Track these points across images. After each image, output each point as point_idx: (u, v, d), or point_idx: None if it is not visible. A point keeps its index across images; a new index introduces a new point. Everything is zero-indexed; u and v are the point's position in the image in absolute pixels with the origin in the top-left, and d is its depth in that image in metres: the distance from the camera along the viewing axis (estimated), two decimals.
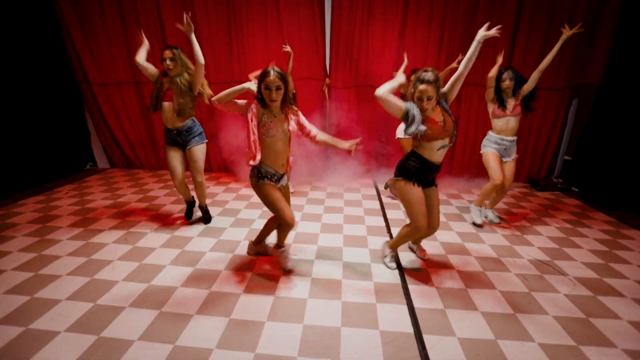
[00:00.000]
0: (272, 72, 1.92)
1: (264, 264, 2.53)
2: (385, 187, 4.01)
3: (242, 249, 2.75)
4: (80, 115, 4.86)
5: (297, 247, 2.79)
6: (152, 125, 4.77)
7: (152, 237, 2.91)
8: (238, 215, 3.43)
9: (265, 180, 2.12)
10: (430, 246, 2.85)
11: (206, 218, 3.23)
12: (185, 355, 1.68)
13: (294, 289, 2.24)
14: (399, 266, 2.53)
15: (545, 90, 4.22)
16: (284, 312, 2.01)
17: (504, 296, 2.21)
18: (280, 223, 2.26)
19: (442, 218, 3.44)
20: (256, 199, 3.93)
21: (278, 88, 1.94)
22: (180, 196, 3.67)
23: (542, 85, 4.17)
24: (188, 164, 2.96)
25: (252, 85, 2.04)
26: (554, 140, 4.50)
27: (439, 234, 3.09)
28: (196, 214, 3.37)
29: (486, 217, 3.38)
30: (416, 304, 2.11)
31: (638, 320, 2.00)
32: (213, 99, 2.05)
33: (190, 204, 3.26)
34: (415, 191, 2.15)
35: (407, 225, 2.31)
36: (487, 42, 4.08)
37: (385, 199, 3.95)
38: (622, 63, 3.75)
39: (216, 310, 2.01)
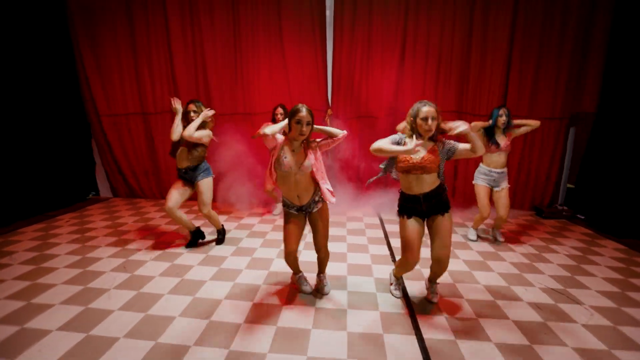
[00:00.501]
0: (304, 109, 2.04)
1: (266, 294, 2.44)
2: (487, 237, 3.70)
3: (243, 278, 2.66)
4: (86, 144, 4.96)
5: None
6: (156, 155, 4.84)
7: (151, 265, 2.83)
8: (240, 244, 3.37)
9: (285, 207, 2.26)
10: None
11: (220, 239, 3.37)
12: None
13: (297, 319, 2.14)
14: (406, 295, 2.43)
15: (542, 120, 4.31)
16: (287, 343, 1.90)
17: (518, 326, 2.10)
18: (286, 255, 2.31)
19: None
20: (257, 228, 3.88)
21: (308, 123, 2.05)
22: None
23: (539, 114, 4.29)
24: (197, 197, 3.14)
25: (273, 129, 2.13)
26: (555, 168, 4.53)
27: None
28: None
29: (494, 238, 3.56)
30: (425, 334, 2.00)
31: None
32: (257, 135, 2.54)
33: (194, 232, 3.27)
34: (407, 225, 2.13)
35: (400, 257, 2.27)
36: (484, 73, 4.29)
37: (388, 227, 3.88)
38: (616, 90, 3.87)
39: (215, 342, 1.90)
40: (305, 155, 2.12)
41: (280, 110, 3.86)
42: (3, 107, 3.84)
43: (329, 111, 4.59)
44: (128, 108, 4.70)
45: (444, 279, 2.68)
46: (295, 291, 2.45)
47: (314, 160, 2.15)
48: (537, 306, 2.33)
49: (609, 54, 3.98)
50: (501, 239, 3.49)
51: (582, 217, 4.31)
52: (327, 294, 2.44)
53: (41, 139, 4.29)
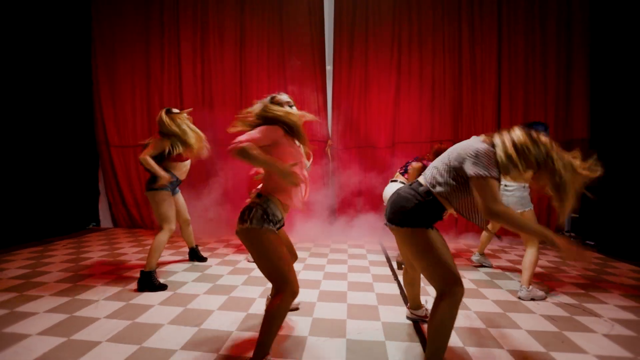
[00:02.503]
0: (283, 93, 1.79)
1: (260, 305, 2.31)
2: (399, 267, 3.19)
3: (238, 292, 2.54)
4: (93, 174, 5.08)
5: None
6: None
7: (148, 295, 2.68)
8: (237, 266, 3.26)
9: (271, 225, 1.53)
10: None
11: (203, 258, 3.38)
12: None
13: (292, 328, 2.00)
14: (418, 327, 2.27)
15: None
16: (281, 348, 1.76)
17: (532, 335, 1.93)
18: (284, 293, 1.50)
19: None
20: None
21: (291, 107, 1.76)
22: (180, 247, 3.58)
23: None
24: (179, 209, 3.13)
25: None
26: None
27: None
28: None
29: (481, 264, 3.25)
30: None
31: None
32: None
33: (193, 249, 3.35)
34: (437, 237, 1.52)
35: (442, 294, 1.46)
36: (475, 105, 4.53)
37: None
38: (605, 115, 4.01)
39: (203, 347, 1.76)
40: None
41: None
42: (17, 130, 4.02)
43: (329, 142, 4.76)
44: (137, 140, 4.92)
45: None
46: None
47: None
48: (551, 318, 2.16)
49: (592, 79, 4.22)
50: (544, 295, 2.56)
51: (592, 243, 4.16)
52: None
53: (49, 166, 4.42)
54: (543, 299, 2.48)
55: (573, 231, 4.51)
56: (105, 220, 5.18)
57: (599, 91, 4.15)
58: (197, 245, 3.41)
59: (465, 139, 4.16)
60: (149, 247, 3.89)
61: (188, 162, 2.98)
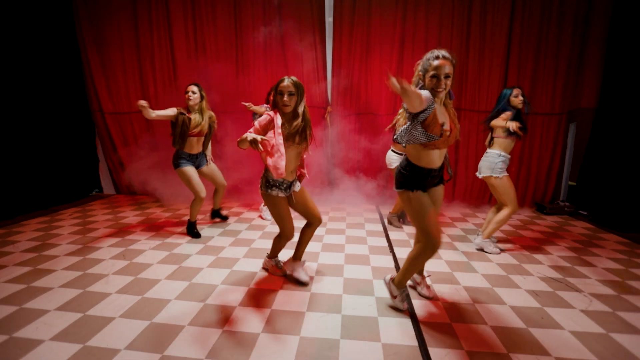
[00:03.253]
0: (286, 79, 2.00)
1: (261, 280, 2.44)
2: (389, 223, 3.79)
3: (240, 265, 2.68)
4: (90, 142, 5.05)
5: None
6: (159, 153, 4.92)
7: (150, 254, 2.86)
8: (238, 236, 3.39)
9: (274, 189, 2.09)
10: (434, 264, 2.75)
11: (224, 217, 3.84)
12: None
13: (291, 303, 2.14)
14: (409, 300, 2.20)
15: (542, 116, 4.32)
16: (280, 324, 1.90)
17: (515, 311, 2.07)
18: (280, 234, 2.32)
19: (446, 239, 3.35)
20: (258, 221, 3.90)
21: (290, 94, 1.97)
22: (181, 217, 3.75)
23: (539, 110, 4.29)
24: (211, 179, 3.51)
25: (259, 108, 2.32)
26: (556, 164, 4.50)
27: (443, 253, 2.98)
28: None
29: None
30: (421, 318, 1.98)
31: None
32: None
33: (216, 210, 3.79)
34: (423, 199, 1.80)
35: (417, 246, 1.89)
36: (482, 69, 4.32)
37: (391, 234, 3.54)
38: (616, 86, 3.87)
39: (209, 322, 1.91)
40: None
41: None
42: (9, 103, 3.94)
43: (329, 108, 4.63)
44: (132, 106, 4.79)
45: (440, 268, 2.67)
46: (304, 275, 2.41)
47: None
48: (535, 293, 2.30)
49: (608, 49, 3.99)
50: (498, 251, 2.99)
51: (585, 213, 4.26)
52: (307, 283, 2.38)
53: (46, 136, 4.38)
54: (496, 253, 2.95)
55: (568, 200, 4.59)
56: (107, 186, 5.25)
57: (613, 62, 3.93)
58: (220, 208, 3.84)
59: (469, 107, 4.11)
60: (152, 215, 4.00)
61: (195, 139, 3.21)
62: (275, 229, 3.35)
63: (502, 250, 3.04)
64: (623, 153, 3.76)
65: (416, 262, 1.91)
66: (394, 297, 2.07)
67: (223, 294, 2.23)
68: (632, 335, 1.84)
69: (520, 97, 2.77)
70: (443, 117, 1.75)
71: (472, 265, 2.76)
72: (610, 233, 3.60)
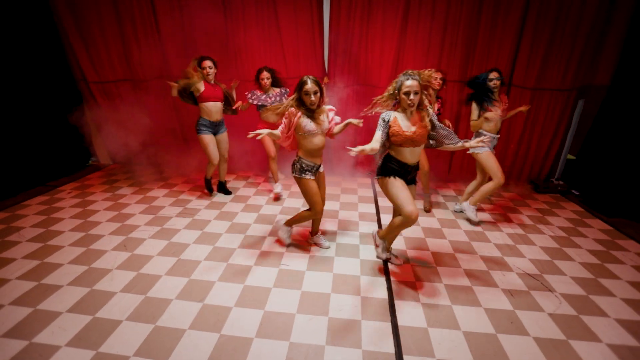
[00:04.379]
0: (309, 81, 2.35)
1: (258, 272, 2.61)
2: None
3: (237, 256, 2.83)
4: (80, 112, 4.89)
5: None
6: (150, 123, 4.80)
7: (150, 244, 3.00)
8: (234, 220, 3.50)
9: (307, 174, 2.56)
10: (421, 254, 2.90)
11: (227, 192, 4.09)
12: None
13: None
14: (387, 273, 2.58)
15: (550, 91, 4.09)
16: (273, 327, 2.10)
17: (488, 314, 2.26)
18: (310, 210, 2.71)
19: (434, 224, 3.46)
20: (252, 201, 3.99)
21: (315, 92, 2.37)
22: (177, 195, 3.86)
23: (547, 85, 4.05)
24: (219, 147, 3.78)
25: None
26: (557, 142, 4.40)
27: (430, 243, 3.12)
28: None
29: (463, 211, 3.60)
30: (400, 321, 2.18)
31: (618, 343, 2.04)
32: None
33: (222, 183, 4.08)
34: (396, 183, 2.29)
35: (398, 216, 2.32)
36: (491, 44, 3.97)
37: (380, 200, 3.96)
38: (634, 64, 3.60)
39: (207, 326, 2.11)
40: (324, 119, 2.52)
41: (266, 74, 3.69)
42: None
43: (325, 79, 4.37)
44: (117, 74, 4.52)
45: (426, 257, 2.82)
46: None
47: (328, 123, 2.56)
48: (510, 293, 2.48)
49: (631, 27, 3.60)
50: (476, 219, 3.43)
51: (577, 193, 4.32)
52: (329, 247, 3.00)
53: (35, 110, 4.23)
54: (474, 221, 3.43)
55: (565, 176, 4.60)
56: (102, 155, 5.22)
57: (635, 41, 3.57)
58: (226, 181, 4.11)
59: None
60: (150, 194, 4.08)
61: (211, 104, 3.51)
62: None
63: (478, 223, 3.47)
64: (627, 135, 3.66)
65: (397, 228, 2.39)
66: (376, 246, 2.62)
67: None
68: (589, 343, 2.04)
69: (495, 81, 3.11)
70: (406, 125, 2.22)
71: (456, 256, 2.91)
72: (597, 218, 3.69)
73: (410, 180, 2.40)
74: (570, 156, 4.63)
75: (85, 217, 3.49)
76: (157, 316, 2.17)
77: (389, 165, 2.32)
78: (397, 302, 2.33)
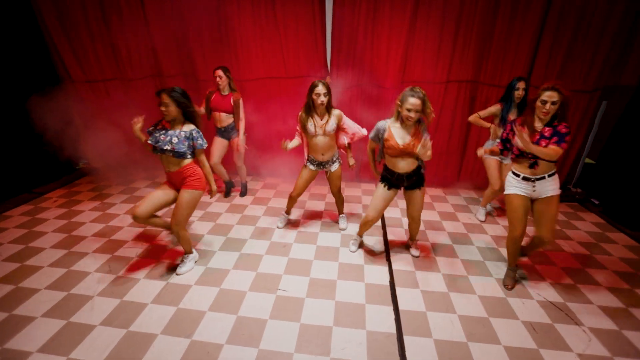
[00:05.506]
0: (320, 84, 2.67)
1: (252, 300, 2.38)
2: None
3: (231, 282, 2.59)
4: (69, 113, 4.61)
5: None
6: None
7: (143, 286, 2.76)
8: (229, 234, 3.26)
9: (307, 163, 3.02)
10: (433, 279, 2.65)
11: (243, 192, 4.12)
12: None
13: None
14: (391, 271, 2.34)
15: (571, 92, 3.76)
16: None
17: (509, 354, 2.01)
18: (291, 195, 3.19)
19: (444, 238, 3.20)
20: (250, 211, 3.73)
21: (325, 95, 2.69)
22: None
23: (568, 86, 3.72)
24: (232, 152, 3.84)
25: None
26: (576, 145, 4.08)
27: (442, 264, 2.86)
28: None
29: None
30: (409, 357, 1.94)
31: None
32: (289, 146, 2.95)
33: (228, 183, 4.07)
34: (379, 190, 2.64)
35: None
36: (510, 39, 3.63)
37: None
38: None
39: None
40: (328, 122, 2.79)
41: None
42: None
43: (328, 79, 4.07)
44: (105, 74, 4.23)
45: (437, 286, 2.56)
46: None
47: (335, 126, 2.81)
48: (532, 327, 2.23)
49: None
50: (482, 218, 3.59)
51: (597, 202, 4.03)
52: (345, 229, 3.35)
53: (21, 112, 3.96)
54: (481, 219, 3.60)
55: (582, 180, 4.30)
56: (93, 157, 4.94)
57: None
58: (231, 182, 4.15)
59: (488, 81, 3.93)
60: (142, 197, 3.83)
61: (218, 114, 3.59)
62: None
63: (488, 215, 3.68)
64: None
65: (363, 226, 2.86)
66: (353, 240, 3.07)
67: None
68: None
69: (521, 91, 3.02)
70: (402, 135, 2.39)
71: (470, 279, 2.66)
72: (620, 232, 3.42)
73: (409, 186, 2.58)
74: (589, 160, 4.32)
75: (70, 230, 3.26)
76: (140, 355, 1.94)
77: (384, 173, 2.62)
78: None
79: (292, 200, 3.21)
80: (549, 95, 2.08)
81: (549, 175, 2.27)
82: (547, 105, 2.09)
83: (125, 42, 4.05)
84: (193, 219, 3.51)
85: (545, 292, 2.55)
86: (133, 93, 4.34)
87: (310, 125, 2.78)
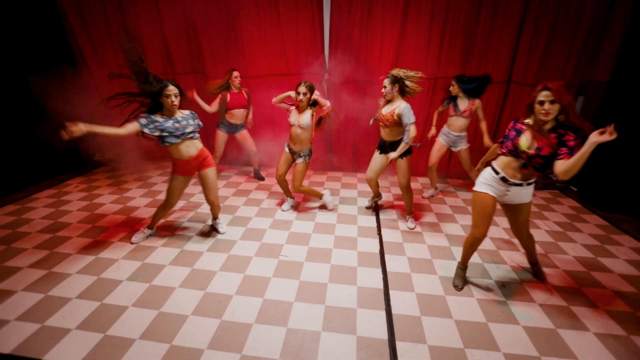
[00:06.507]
0: (302, 85, 3.07)
1: (256, 265, 2.70)
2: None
3: (239, 249, 2.92)
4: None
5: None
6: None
7: (161, 252, 3.08)
8: (236, 213, 3.60)
9: (285, 146, 3.42)
10: (417, 249, 2.97)
11: (261, 176, 4.57)
12: (180, 355, 1.89)
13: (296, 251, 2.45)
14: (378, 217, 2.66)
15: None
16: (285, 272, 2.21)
17: (480, 304, 2.33)
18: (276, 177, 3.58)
19: (432, 219, 3.52)
20: (255, 195, 4.08)
21: (304, 94, 3.07)
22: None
23: (547, 81, 4.06)
24: (242, 144, 4.28)
25: (292, 93, 3.18)
26: None
27: (427, 239, 3.19)
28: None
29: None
30: (394, 310, 2.26)
31: (605, 332, 2.10)
32: (273, 100, 3.27)
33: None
34: (374, 156, 3.29)
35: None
36: (492, 35, 3.98)
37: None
38: (634, 60, 3.60)
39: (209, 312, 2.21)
40: (303, 116, 3.16)
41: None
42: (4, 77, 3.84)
43: (326, 75, 4.43)
44: (120, 62, 4.62)
45: (422, 254, 2.88)
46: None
47: (308, 121, 3.14)
48: (502, 284, 2.54)
49: (633, 19, 3.60)
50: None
51: (575, 189, 4.35)
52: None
53: (40, 110, 4.34)
54: (431, 195, 4.10)
55: None
56: (108, 149, 5.32)
57: (635, 37, 3.58)
58: (259, 168, 4.56)
59: (474, 73, 4.20)
60: (154, 187, 4.19)
61: (235, 110, 3.97)
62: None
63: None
64: (624, 131, 3.66)
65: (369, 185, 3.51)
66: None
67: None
68: (577, 332, 2.10)
69: (451, 86, 3.64)
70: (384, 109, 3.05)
71: (452, 250, 2.98)
72: (593, 214, 3.74)
73: (385, 151, 3.18)
74: None
75: (92, 209, 3.61)
76: (161, 303, 2.27)
77: (379, 141, 3.25)
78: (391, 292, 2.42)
79: (279, 182, 3.49)
80: (546, 95, 1.94)
81: (528, 184, 2.18)
82: (546, 105, 1.94)
83: (139, 35, 4.44)
84: (202, 201, 3.86)
85: (518, 258, 2.87)
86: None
87: (291, 116, 3.21)
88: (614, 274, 2.69)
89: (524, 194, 2.22)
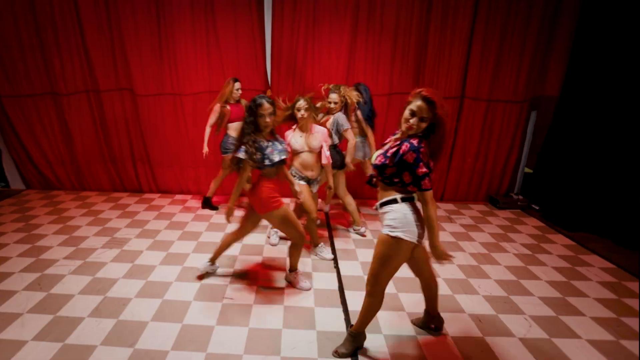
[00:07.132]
0: (302, 100, 2.58)
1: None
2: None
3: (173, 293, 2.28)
4: None
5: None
6: (72, 141, 4.20)
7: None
8: (200, 239, 2.96)
9: (300, 182, 2.68)
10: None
11: (214, 207, 3.97)
12: None
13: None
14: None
15: (503, 103, 4.07)
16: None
17: (457, 343, 1.90)
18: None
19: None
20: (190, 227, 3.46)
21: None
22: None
23: (501, 97, 4.03)
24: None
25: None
26: (514, 154, 4.32)
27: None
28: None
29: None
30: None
31: None
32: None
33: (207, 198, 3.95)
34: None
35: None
36: (443, 52, 3.90)
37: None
38: (580, 75, 3.65)
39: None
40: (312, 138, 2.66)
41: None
42: None
43: (268, 92, 4.05)
44: (35, 88, 3.96)
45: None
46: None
47: (320, 140, 2.67)
48: (478, 319, 2.15)
49: (576, 36, 3.72)
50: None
51: (537, 208, 4.23)
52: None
53: None
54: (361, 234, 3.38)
55: (523, 190, 4.51)
56: (14, 180, 4.45)
57: (579, 52, 3.68)
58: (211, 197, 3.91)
59: (427, 89, 3.45)
60: (68, 222, 3.43)
61: (236, 124, 3.30)
62: None
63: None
64: (579, 146, 3.63)
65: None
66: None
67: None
68: None
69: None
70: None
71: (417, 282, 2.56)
72: (559, 234, 3.54)
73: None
74: (527, 169, 4.59)
75: None
76: None
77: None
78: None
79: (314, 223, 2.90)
80: (419, 108, 1.49)
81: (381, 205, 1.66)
82: (413, 120, 1.50)
83: (59, 55, 3.86)
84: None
85: (490, 288, 2.52)
86: (65, 110, 4.06)
87: (293, 142, 2.70)
88: (589, 298, 2.42)
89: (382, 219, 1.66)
